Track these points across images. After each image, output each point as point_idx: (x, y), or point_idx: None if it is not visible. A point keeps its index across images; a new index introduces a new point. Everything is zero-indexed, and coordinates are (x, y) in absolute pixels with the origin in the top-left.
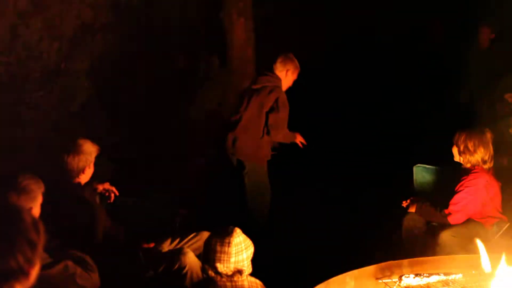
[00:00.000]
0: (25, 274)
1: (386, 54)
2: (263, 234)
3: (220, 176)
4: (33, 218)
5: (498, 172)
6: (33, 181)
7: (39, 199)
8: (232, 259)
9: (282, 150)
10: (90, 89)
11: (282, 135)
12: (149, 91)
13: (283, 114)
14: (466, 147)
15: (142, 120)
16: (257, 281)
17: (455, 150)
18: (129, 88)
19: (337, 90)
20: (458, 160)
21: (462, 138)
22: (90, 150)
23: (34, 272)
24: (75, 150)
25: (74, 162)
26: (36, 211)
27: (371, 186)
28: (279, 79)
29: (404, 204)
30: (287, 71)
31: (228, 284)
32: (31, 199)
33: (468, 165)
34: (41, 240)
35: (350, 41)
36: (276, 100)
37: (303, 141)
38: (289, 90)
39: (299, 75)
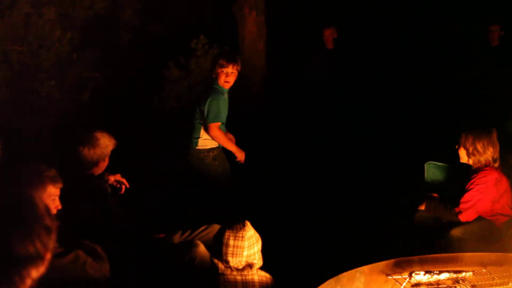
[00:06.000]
0: (42, 259)
1: (397, 52)
2: None
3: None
4: (45, 204)
5: (508, 171)
6: (48, 170)
7: (56, 190)
8: (245, 253)
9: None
10: (101, 79)
11: None
12: (159, 83)
13: None
14: (475, 148)
15: (150, 111)
16: (267, 275)
17: (462, 152)
18: (138, 80)
19: (345, 88)
20: (466, 162)
21: (470, 140)
22: (106, 144)
23: (48, 258)
24: (91, 142)
25: (89, 154)
26: (51, 200)
27: (381, 183)
28: None
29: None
30: None
31: (238, 278)
32: (44, 188)
33: (478, 165)
34: (54, 226)
35: (361, 38)
36: None
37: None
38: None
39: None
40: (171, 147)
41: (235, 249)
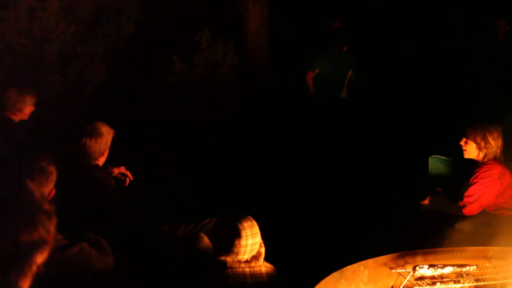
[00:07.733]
0: (46, 243)
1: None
2: None
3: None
4: (40, 191)
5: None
6: (49, 162)
7: (53, 180)
8: (250, 242)
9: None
10: (105, 73)
11: None
12: (163, 75)
13: None
14: (487, 142)
15: (153, 104)
16: (272, 266)
17: (472, 147)
18: (141, 73)
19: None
20: (474, 157)
21: (481, 134)
22: (108, 132)
23: (51, 242)
24: (96, 133)
25: (96, 145)
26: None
27: (385, 177)
28: None
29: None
30: None
31: (247, 270)
32: (47, 180)
33: (485, 159)
34: (52, 210)
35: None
36: None
37: None
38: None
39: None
40: (174, 140)
41: (241, 240)
